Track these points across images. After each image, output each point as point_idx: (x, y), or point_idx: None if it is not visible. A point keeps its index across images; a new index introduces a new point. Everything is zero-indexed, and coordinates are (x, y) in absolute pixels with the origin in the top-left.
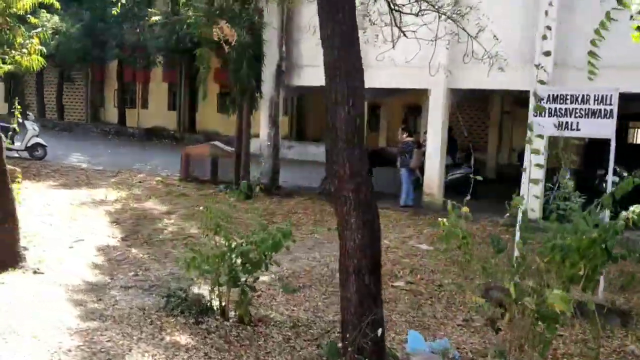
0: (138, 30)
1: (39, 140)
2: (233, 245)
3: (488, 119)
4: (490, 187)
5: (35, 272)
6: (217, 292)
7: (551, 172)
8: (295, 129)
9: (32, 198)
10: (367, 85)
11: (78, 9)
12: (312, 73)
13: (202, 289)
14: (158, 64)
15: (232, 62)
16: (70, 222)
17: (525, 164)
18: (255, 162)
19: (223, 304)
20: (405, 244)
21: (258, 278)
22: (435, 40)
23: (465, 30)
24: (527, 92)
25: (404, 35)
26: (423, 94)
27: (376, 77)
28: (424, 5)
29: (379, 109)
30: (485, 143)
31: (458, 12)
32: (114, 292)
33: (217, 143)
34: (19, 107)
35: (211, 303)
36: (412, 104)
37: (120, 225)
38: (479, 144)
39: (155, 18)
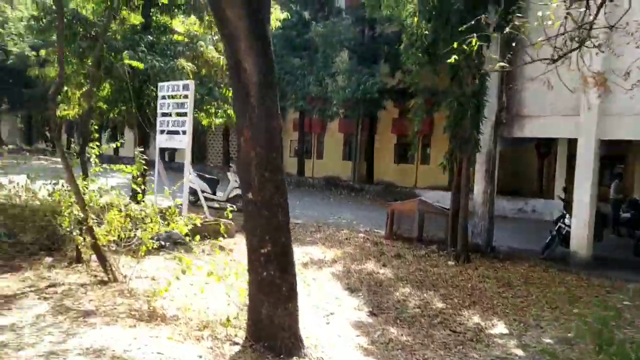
0: (322, 82)
1: (239, 191)
2: None
3: None
4: None
5: None
6: None
7: None
8: None
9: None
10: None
11: None
12: (535, 124)
13: None
14: (340, 114)
15: (453, 113)
16: (304, 286)
17: None
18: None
19: None
20: None
21: None
22: None
23: None
24: None
25: None
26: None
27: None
28: None
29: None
30: None
31: None
32: None
33: (423, 199)
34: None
35: None
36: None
37: (357, 294)
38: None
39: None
